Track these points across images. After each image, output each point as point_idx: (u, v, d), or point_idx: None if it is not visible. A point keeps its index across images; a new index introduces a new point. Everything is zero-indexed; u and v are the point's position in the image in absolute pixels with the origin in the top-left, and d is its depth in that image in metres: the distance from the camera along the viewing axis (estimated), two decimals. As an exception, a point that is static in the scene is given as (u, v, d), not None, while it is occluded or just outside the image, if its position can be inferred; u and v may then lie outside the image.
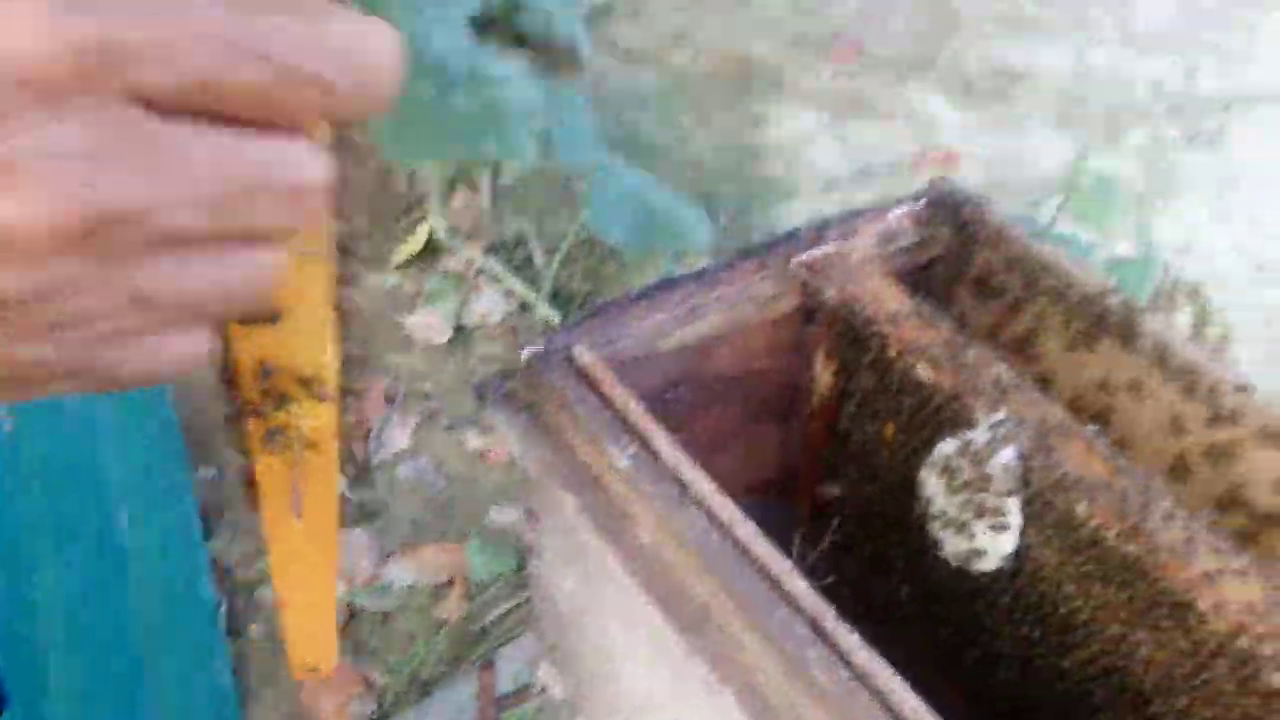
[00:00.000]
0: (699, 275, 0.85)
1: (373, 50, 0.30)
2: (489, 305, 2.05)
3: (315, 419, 0.46)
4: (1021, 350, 0.93)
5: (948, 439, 0.79)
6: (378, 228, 2.14)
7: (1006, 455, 0.75)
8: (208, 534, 1.64)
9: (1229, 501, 0.80)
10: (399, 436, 1.84)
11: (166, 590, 1.47)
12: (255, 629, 1.58)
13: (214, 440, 1.75)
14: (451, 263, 2.09)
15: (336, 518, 0.50)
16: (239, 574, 1.62)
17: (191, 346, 0.32)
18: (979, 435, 0.77)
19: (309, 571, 0.54)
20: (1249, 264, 2.24)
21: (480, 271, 2.07)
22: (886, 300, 0.87)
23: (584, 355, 0.80)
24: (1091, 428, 0.77)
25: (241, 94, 0.28)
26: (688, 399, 0.89)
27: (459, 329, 2.01)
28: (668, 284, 0.83)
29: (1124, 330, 0.84)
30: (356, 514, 1.68)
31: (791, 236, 0.93)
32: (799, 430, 0.99)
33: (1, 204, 0.26)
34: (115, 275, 0.28)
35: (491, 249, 2.11)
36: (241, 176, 0.29)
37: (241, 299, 0.31)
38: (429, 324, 1.99)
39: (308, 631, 0.57)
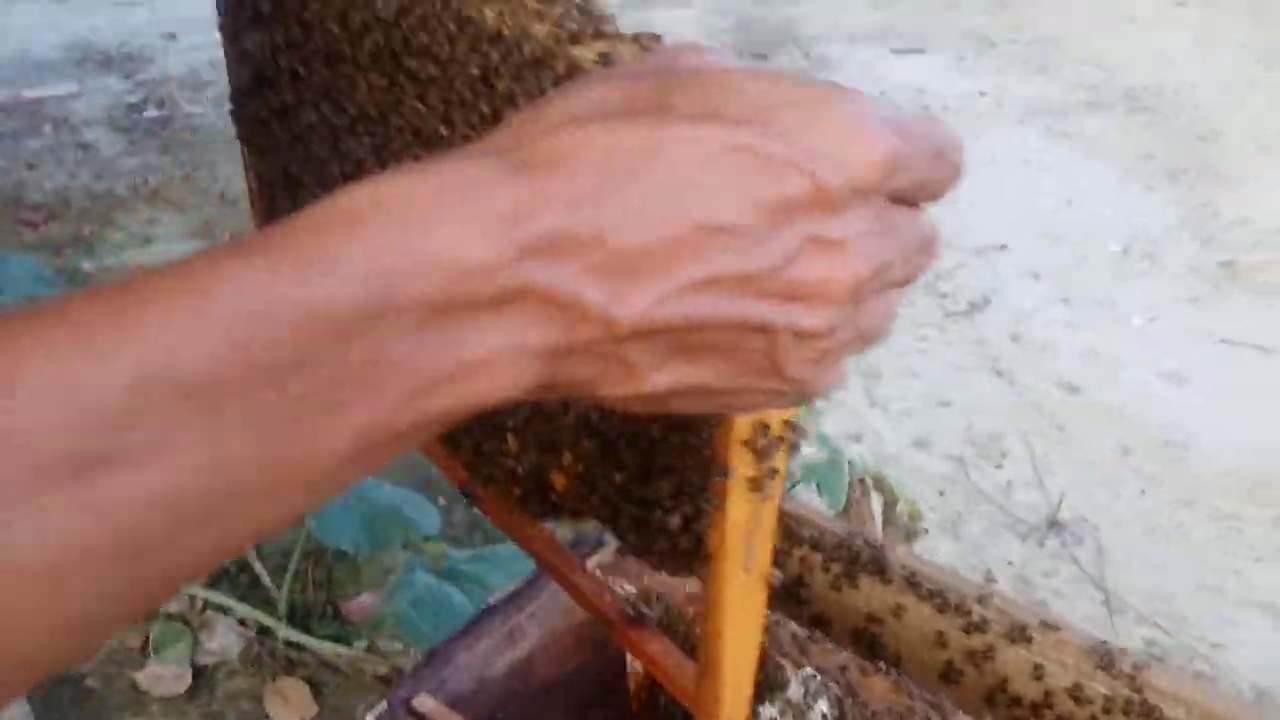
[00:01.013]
0: (513, 597, 0.92)
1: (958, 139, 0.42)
2: (224, 641, 1.98)
3: (781, 464, 0.52)
4: (794, 595, 1.05)
5: (767, 703, 0.89)
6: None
7: (823, 706, 0.85)
8: None
9: (998, 695, 0.94)
10: (151, 804, 1.73)
11: None
12: None
13: None
14: (174, 605, 2.01)
15: (769, 576, 0.56)
16: None
17: (844, 369, 0.42)
18: (794, 692, 0.87)
19: (748, 623, 0.57)
20: (909, 440, 2.55)
21: (207, 607, 2.00)
22: (674, 583, 0.97)
23: (425, 703, 0.84)
24: (877, 661, 0.89)
25: (928, 182, 0.40)
26: (517, 714, 0.94)
27: (197, 672, 1.93)
28: (488, 613, 0.89)
29: (877, 566, 0.98)
30: None
31: (577, 545, 1.02)
32: (623, 712, 1.05)
33: (836, 267, 0.37)
34: (857, 314, 0.39)
35: (214, 581, 2.05)
36: (920, 241, 0.41)
37: (885, 333, 0.42)
38: (162, 675, 1.90)
39: (737, 685, 0.60)
